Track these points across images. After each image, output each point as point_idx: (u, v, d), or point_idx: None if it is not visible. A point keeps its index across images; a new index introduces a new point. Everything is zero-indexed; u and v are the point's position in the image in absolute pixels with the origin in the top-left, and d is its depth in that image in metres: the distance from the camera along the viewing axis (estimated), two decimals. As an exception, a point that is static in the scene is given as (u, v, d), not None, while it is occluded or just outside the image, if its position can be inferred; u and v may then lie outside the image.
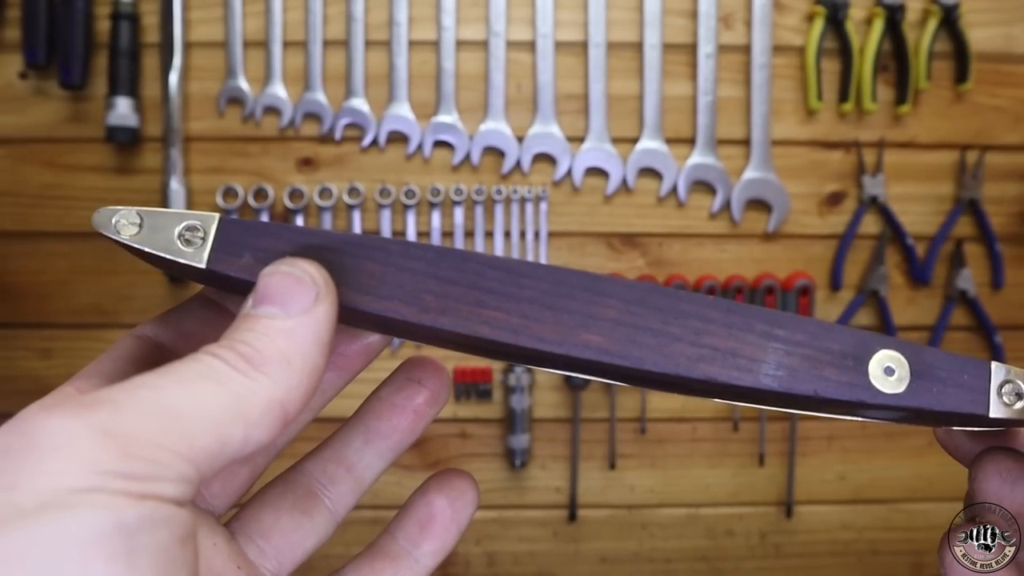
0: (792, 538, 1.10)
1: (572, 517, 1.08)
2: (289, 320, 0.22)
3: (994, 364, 0.26)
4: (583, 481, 1.08)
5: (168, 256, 0.25)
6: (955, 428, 0.27)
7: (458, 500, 0.30)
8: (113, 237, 0.25)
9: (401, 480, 1.01)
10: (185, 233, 0.25)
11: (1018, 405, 0.26)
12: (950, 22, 1.03)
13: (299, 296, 0.23)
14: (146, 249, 0.25)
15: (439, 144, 1.03)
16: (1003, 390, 0.26)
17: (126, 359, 0.26)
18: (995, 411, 0.26)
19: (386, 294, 0.25)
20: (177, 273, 0.27)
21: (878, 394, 0.26)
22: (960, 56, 1.05)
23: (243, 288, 0.25)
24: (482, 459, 1.07)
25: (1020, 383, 0.26)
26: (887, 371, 0.26)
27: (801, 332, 0.26)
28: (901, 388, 0.26)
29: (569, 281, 0.26)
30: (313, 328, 0.23)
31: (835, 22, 1.03)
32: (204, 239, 0.25)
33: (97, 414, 0.19)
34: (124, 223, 0.25)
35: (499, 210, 1.03)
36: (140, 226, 0.25)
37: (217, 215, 0.26)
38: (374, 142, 1.03)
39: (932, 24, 1.03)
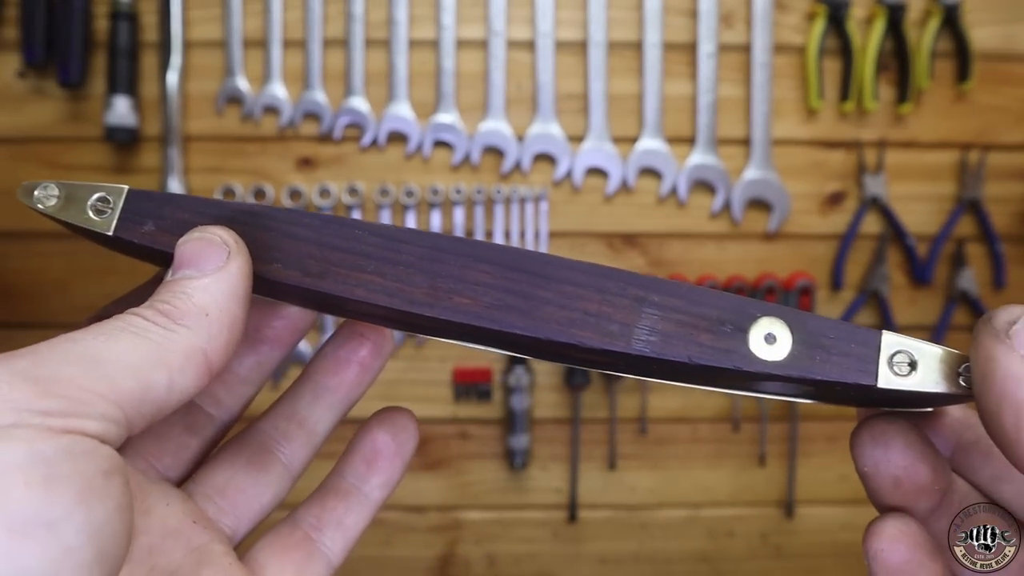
0: (793, 539, 1.10)
1: (572, 518, 1.07)
2: (204, 278, 0.24)
3: (886, 333, 0.25)
4: (583, 482, 1.07)
5: (81, 225, 0.27)
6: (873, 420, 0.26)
7: (400, 433, 0.31)
8: (36, 208, 0.27)
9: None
10: (97, 203, 0.27)
11: (911, 376, 0.24)
12: (951, 21, 1.03)
13: (211, 256, 0.24)
14: (62, 219, 0.27)
15: (439, 144, 1.03)
16: (894, 359, 0.24)
17: None
18: (884, 381, 0.24)
19: (272, 258, 0.26)
20: (93, 241, 0.28)
21: (756, 361, 0.25)
22: (961, 55, 1.04)
23: (149, 255, 0.27)
24: (482, 460, 1.07)
25: (913, 353, 0.24)
26: (768, 338, 0.25)
27: (677, 298, 0.25)
28: (782, 356, 0.25)
29: (444, 246, 0.26)
30: (227, 282, 0.24)
31: (836, 21, 1.03)
32: (113, 209, 0.27)
33: (17, 362, 0.20)
34: (45, 195, 0.27)
35: (499, 210, 1.03)
36: (59, 198, 0.27)
37: (126, 187, 0.27)
38: (373, 142, 1.02)
39: (933, 23, 1.03)
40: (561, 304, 0.26)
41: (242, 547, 0.30)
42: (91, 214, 0.27)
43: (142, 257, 0.28)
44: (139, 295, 0.29)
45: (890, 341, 0.25)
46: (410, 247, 0.26)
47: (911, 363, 0.24)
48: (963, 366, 0.24)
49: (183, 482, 0.30)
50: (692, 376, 0.26)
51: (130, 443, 0.28)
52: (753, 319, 0.25)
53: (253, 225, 0.27)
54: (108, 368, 0.21)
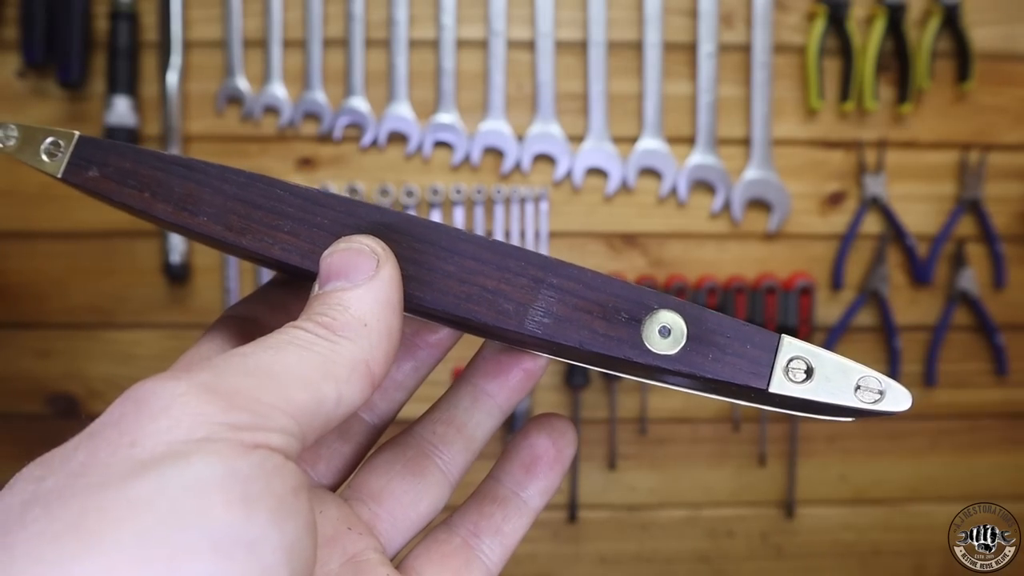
0: (793, 539, 1.10)
1: (572, 518, 1.07)
2: (357, 289, 0.24)
3: (786, 338, 0.24)
4: (583, 482, 1.07)
5: (34, 165, 0.28)
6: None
7: (560, 439, 0.30)
8: None
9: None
10: (49, 147, 0.28)
11: (806, 384, 0.24)
12: (952, 21, 1.03)
13: (361, 266, 0.24)
14: (19, 159, 0.28)
15: (439, 144, 1.03)
16: (791, 365, 0.24)
17: (223, 339, 0.28)
18: (777, 386, 0.24)
19: (198, 211, 0.27)
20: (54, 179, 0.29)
21: (647, 353, 0.25)
22: (962, 55, 1.04)
23: (98, 198, 0.28)
24: (482, 459, 1.06)
25: (811, 360, 0.24)
26: (662, 331, 0.25)
27: (577, 282, 0.26)
28: (674, 350, 0.25)
29: (360, 213, 0.26)
30: (380, 291, 0.24)
31: (836, 21, 1.03)
32: (64, 153, 0.28)
33: (198, 376, 0.20)
34: (5, 135, 0.29)
35: (499, 210, 1.03)
36: (17, 139, 0.29)
37: (77, 133, 0.28)
38: (374, 142, 1.02)
39: (934, 23, 1.03)
40: (461, 279, 0.26)
41: (398, 556, 0.29)
42: (44, 157, 0.28)
43: (95, 197, 0.29)
44: (262, 298, 0.30)
45: (790, 346, 0.24)
46: (326, 210, 0.26)
47: (807, 370, 0.24)
48: (860, 377, 0.24)
49: (336, 488, 0.30)
50: (587, 360, 0.26)
51: None
52: (650, 311, 0.25)
53: (184, 177, 0.27)
54: (283, 381, 0.21)
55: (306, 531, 0.20)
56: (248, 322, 0.29)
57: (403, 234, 0.26)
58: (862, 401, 0.24)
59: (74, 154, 0.28)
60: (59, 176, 0.28)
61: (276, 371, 0.21)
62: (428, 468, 0.30)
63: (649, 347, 0.25)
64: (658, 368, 0.25)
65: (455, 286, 0.26)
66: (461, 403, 0.31)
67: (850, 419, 0.26)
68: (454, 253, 0.26)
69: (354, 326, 0.23)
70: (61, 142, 0.28)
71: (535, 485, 0.30)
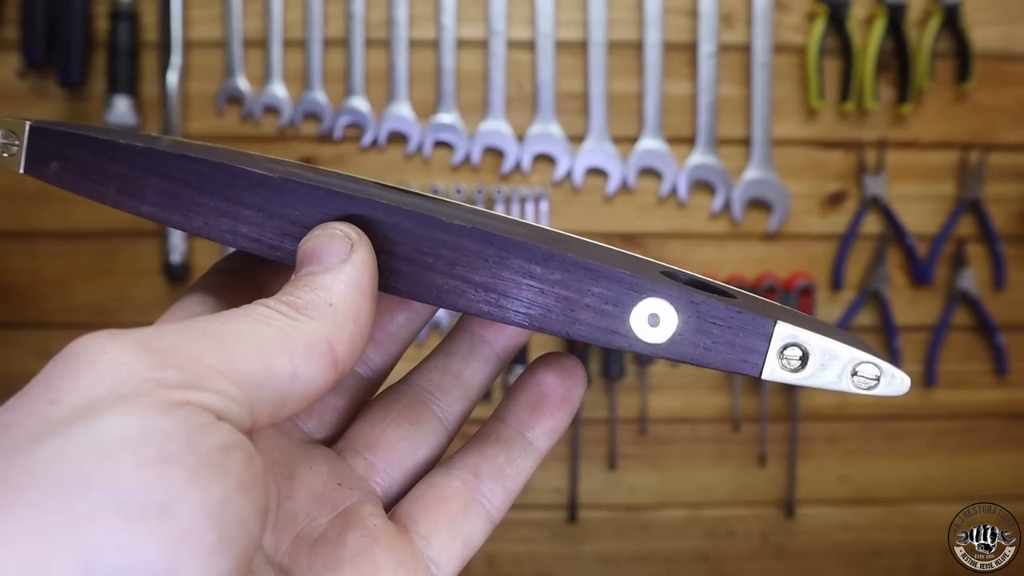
0: (793, 539, 1.10)
1: (572, 518, 1.07)
2: (328, 272, 0.23)
3: (781, 323, 0.24)
4: (583, 482, 1.07)
5: None
6: None
7: (568, 378, 0.29)
8: None
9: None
10: (3, 140, 0.26)
11: (801, 372, 0.24)
12: (952, 21, 1.03)
13: (334, 250, 0.24)
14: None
15: (439, 144, 1.03)
16: (785, 352, 0.24)
17: (203, 297, 0.27)
18: (769, 373, 0.24)
19: (161, 206, 0.26)
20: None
21: (636, 342, 0.24)
22: (962, 55, 1.04)
23: (64, 188, 0.26)
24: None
25: (807, 347, 0.24)
26: (651, 319, 0.24)
27: (561, 272, 0.25)
28: (663, 339, 0.24)
29: (329, 205, 0.25)
30: (351, 274, 0.23)
31: (836, 21, 1.03)
32: (20, 146, 0.26)
33: (137, 334, 0.19)
34: None
35: (499, 210, 1.03)
36: None
37: (28, 122, 0.26)
38: (374, 142, 1.02)
39: (934, 23, 1.03)
40: (443, 271, 0.25)
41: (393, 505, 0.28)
42: (1, 152, 0.26)
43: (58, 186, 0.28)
44: (235, 260, 0.29)
45: (784, 332, 0.24)
46: (294, 202, 0.26)
47: (802, 357, 0.24)
48: (857, 364, 0.24)
49: (331, 443, 0.29)
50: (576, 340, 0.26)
51: None
52: (638, 298, 0.24)
53: (150, 171, 0.26)
54: (229, 347, 0.20)
55: (237, 490, 0.18)
56: (239, 277, 0.28)
57: (378, 224, 0.25)
58: (857, 387, 0.24)
59: (30, 146, 0.26)
60: (21, 171, 0.26)
61: (224, 337, 0.20)
62: (425, 416, 0.29)
63: (638, 336, 0.24)
64: (647, 356, 0.25)
65: (436, 278, 0.25)
66: (458, 351, 0.30)
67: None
68: (433, 243, 0.25)
69: (319, 305, 0.23)
70: (14, 132, 0.26)
71: (542, 425, 0.29)
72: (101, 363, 0.18)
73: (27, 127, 0.26)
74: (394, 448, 0.29)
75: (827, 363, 0.24)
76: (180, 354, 0.19)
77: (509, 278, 0.25)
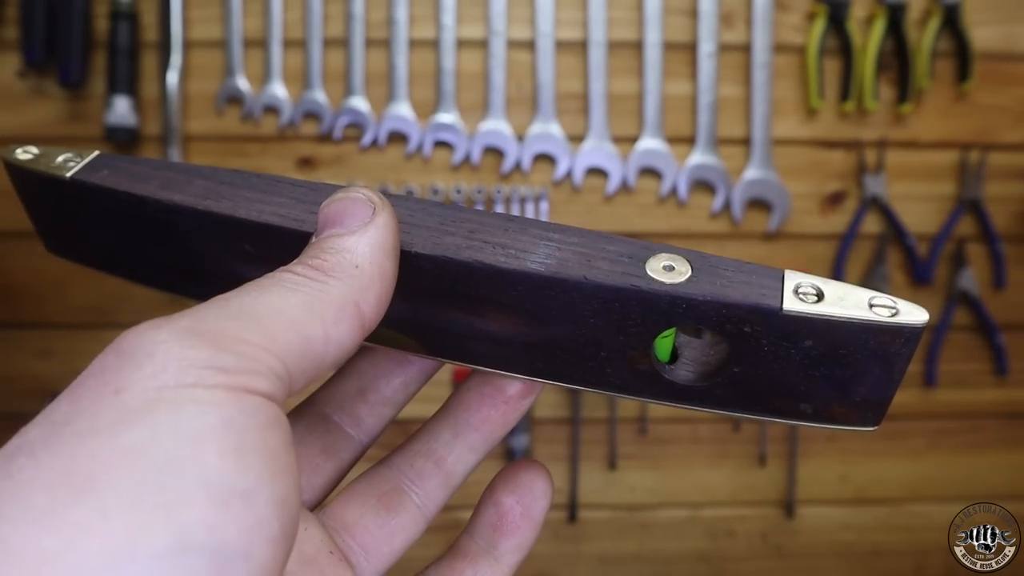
0: (793, 539, 1.10)
1: (572, 518, 1.07)
2: (352, 235, 0.24)
3: (788, 271, 0.25)
4: (583, 482, 1.07)
5: (42, 170, 0.29)
6: None
7: (526, 495, 0.29)
8: (7, 158, 0.29)
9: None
10: (65, 160, 0.29)
11: (820, 304, 0.24)
12: (952, 21, 1.03)
13: (357, 212, 0.24)
14: (26, 166, 0.29)
15: (439, 144, 1.03)
16: (799, 289, 0.24)
17: None
18: (790, 305, 0.24)
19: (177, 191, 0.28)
20: (45, 200, 0.30)
21: (653, 282, 0.24)
22: (962, 55, 1.04)
23: (97, 206, 0.28)
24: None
25: (820, 286, 0.24)
26: (666, 267, 0.25)
27: (578, 236, 0.26)
28: (680, 280, 0.24)
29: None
30: (375, 236, 0.24)
31: (836, 21, 1.03)
32: (77, 164, 0.29)
33: (179, 321, 0.20)
34: (23, 151, 0.30)
35: (499, 210, 1.03)
36: (34, 155, 0.30)
37: (97, 151, 0.29)
38: (374, 142, 1.02)
39: (934, 23, 1.03)
40: (464, 235, 0.26)
41: None
42: (57, 164, 0.29)
43: (90, 206, 0.29)
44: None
45: (794, 277, 0.25)
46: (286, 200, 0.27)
47: (817, 293, 0.24)
48: (871, 297, 0.24)
49: (315, 508, 0.29)
50: (590, 311, 0.26)
51: None
52: (652, 253, 0.25)
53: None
54: (267, 322, 0.21)
55: (294, 488, 0.19)
56: None
57: (402, 208, 0.26)
58: (879, 315, 0.24)
59: (88, 164, 0.29)
60: (68, 176, 0.28)
61: (260, 312, 0.21)
62: (403, 503, 0.29)
63: (655, 278, 0.25)
64: (666, 297, 0.24)
65: (455, 240, 0.26)
66: (441, 436, 0.30)
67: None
68: (456, 220, 0.26)
69: (345, 267, 0.23)
70: (80, 155, 0.29)
71: (505, 543, 0.29)
72: (157, 354, 0.19)
73: (95, 153, 0.29)
74: (372, 535, 0.29)
75: (844, 296, 0.24)
76: (228, 337, 0.20)
77: (527, 240, 0.26)
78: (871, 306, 0.24)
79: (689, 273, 0.25)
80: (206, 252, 0.27)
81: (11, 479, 0.17)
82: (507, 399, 0.30)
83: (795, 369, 0.25)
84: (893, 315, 0.24)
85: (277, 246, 0.26)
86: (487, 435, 0.30)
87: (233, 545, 0.17)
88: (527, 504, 0.29)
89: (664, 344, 0.26)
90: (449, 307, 0.27)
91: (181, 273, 0.29)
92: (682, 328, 0.25)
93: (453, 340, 0.27)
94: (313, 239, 0.24)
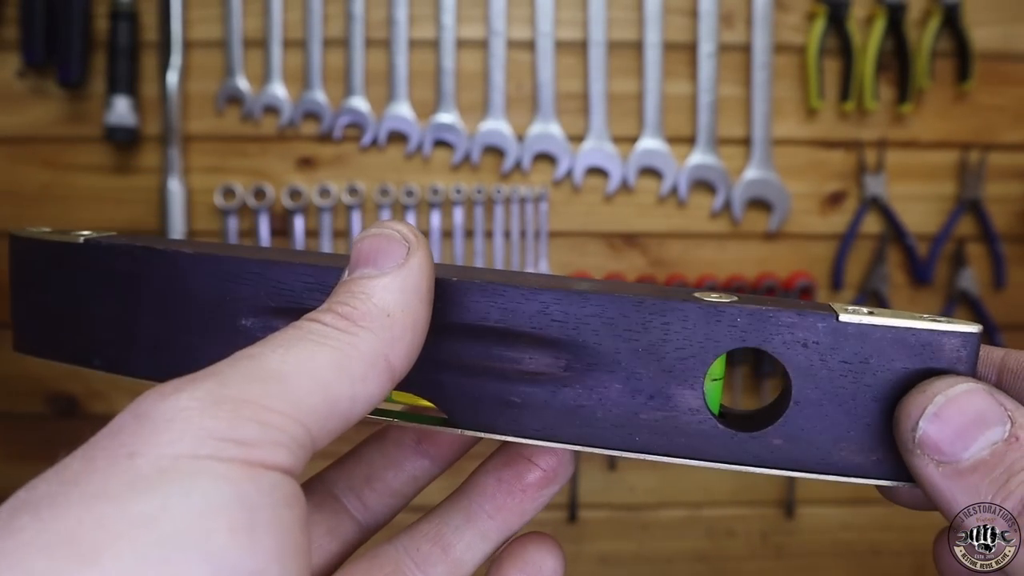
0: (793, 539, 1.10)
1: (572, 518, 1.07)
2: (384, 276, 0.22)
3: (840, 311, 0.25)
4: (583, 481, 1.07)
5: (55, 239, 0.29)
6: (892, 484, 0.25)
7: (536, 575, 0.28)
8: (23, 232, 0.30)
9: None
10: (78, 236, 0.29)
11: (872, 317, 0.24)
12: (952, 21, 1.03)
13: (391, 252, 0.23)
14: (40, 238, 0.30)
15: (439, 143, 1.03)
16: (849, 309, 0.24)
17: None
18: (846, 317, 0.24)
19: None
20: (52, 262, 0.30)
21: (704, 302, 0.24)
22: (962, 55, 1.04)
23: (106, 268, 0.28)
24: (482, 460, 1.07)
25: (870, 309, 0.24)
26: (715, 295, 0.25)
27: (604, 282, 0.26)
28: (731, 299, 0.24)
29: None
30: (409, 279, 0.22)
31: (836, 21, 1.03)
32: (92, 235, 0.29)
33: (202, 385, 0.19)
34: (35, 231, 0.30)
35: (499, 210, 1.03)
36: (48, 231, 0.30)
37: (115, 232, 0.30)
38: (374, 141, 1.02)
39: (934, 23, 1.03)
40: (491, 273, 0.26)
41: None
42: (70, 236, 0.29)
43: (91, 289, 0.29)
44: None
45: (839, 305, 0.25)
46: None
47: (869, 312, 0.24)
48: (919, 314, 0.24)
49: None
50: (637, 334, 0.25)
51: None
52: (694, 291, 0.25)
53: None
54: (291, 384, 0.20)
55: (305, 570, 0.19)
56: None
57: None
58: (933, 322, 0.24)
59: (102, 237, 0.30)
60: (80, 241, 0.29)
61: (286, 373, 0.20)
62: None
63: (706, 299, 0.24)
64: (715, 310, 0.24)
65: (482, 273, 0.26)
66: (452, 520, 0.29)
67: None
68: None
69: (376, 316, 0.21)
70: (96, 232, 0.30)
71: None
72: (176, 421, 0.18)
73: (111, 233, 0.30)
74: None
75: (893, 312, 0.24)
76: (250, 404, 0.19)
77: (562, 279, 0.27)
78: (921, 318, 0.24)
79: (736, 298, 0.24)
80: (212, 311, 0.26)
81: (12, 538, 0.16)
82: (525, 487, 0.28)
83: (859, 399, 0.24)
84: (949, 323, 0.24)
85: (297, 284, 0.26)
86: (501, 524, 0.29)
87: None
88: None
89: (714, 391, 0.26)
90: (481, 351, 0.25)
91: (169, 351, 0.28)
92: (734, 362, 0.25)
93: (482, 401, 0.26)
94: (345, 275, 0.23)
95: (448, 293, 0.25)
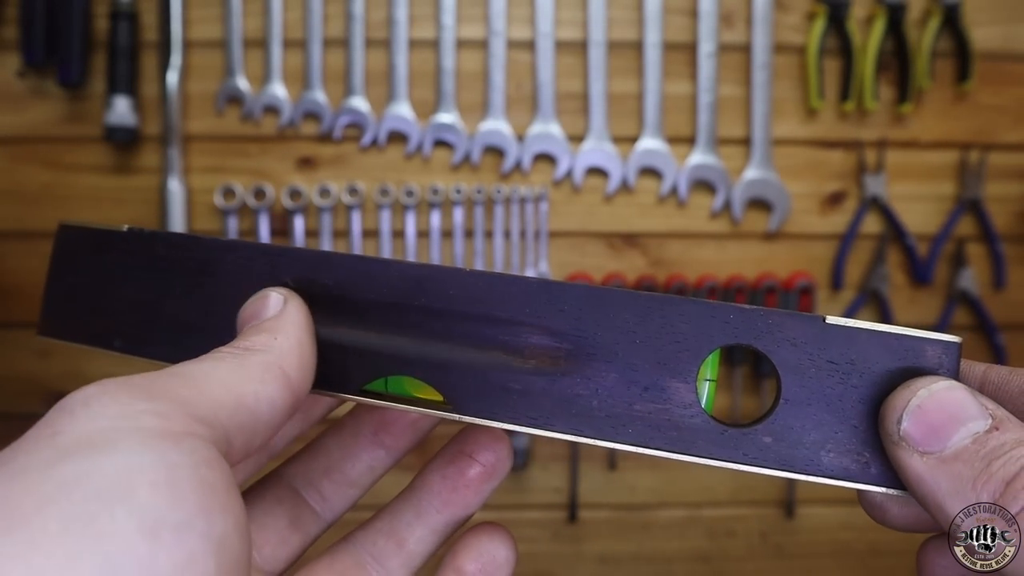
0: (793, 538, 1.10)
1: (572, 518, 1.07)
2: (268, 320, 0.26)
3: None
4: (583, 481, 1.07)
5: (100, 227, 0.31)
6: (879, 491, 0.26)
7: (490, 563, 0.30)
8: (67, 222, 0.32)
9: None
10: (121, 225, 0.31)
11: (858, 321, 0.25)
12: (952, 21, 1.03)
13: (269, 305, 0.26)
14: (85, 224, 0.31)
15: (439, 144, 1.03)
16: (837, 318, 0.26)
17: None
18: (833, 320, 0.25)
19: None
20: (94, 247, 0.31)
21: (700, 299, 0.26)
22: (962, 55, 1.04)
23: (154, 248, 0.30)
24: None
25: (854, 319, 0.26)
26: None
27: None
28: (724, 302, 0.26)
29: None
30: (289, 316, 0.26)
31: (836, 21, 1.03)
32: (134, 227, 0.31)
33: (131, 379, 0.21)
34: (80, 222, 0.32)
35: (499, 210, 1.03)
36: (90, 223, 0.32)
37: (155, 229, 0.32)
38: (374, 141, 1.02)
39: (934, 23, 1.03)
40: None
41: None
42: (114, 226, 0.31)
43: (126, 274, 0.30)
44: None
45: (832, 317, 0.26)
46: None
47: (856, 324, 0.25)
48: (904, 326, 0.25)
49: None
50: (633, 324, 0.26)
51: None
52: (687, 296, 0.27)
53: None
54: (201, 382, 0.22)
55: (236, 529, 0.20)
56: None
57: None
58: (915, 331, 0.25)
59: (144, 228, 0.31)
60: (124, 229, 0.30)
61: (195, 375, 0.22)
62: None
63: (701, 298, 0.26)
64: (718, 308, 0.25)
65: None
66: (404, 516, 0.31)
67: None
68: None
69: (264, 340, 0.25)
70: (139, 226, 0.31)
71: None
72: (94, 405, 0.20)
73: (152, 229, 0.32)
74: None
75: (879, 323, 0.25)
76: (165, 390, 0.21)
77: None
78: (906, 326, 0.25)
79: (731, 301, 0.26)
80: (234, 294, 0.28)
81: None
82: (468, 482, 0.31)
83: (845, 400, 0.25)
84: (929, 334, 0.25)
85: (321, 276, 0.27)
86: (449, 518, 0.31)
87: None
88: (490, 572, 0.30)
89: (708, 392, 0.27)
90: (486, 340, 0.26)
91: (189, 333, 0.30)
92: (733, 363, 0.27)
93: (483, 388, 0.27)
94: (239, 334, 0.26)
95: (459, 283, 0.26)
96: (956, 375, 0.25)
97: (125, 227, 0.30)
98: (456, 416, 0.27)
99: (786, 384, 0.25)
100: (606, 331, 0.25)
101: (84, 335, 0.31)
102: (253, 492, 0.31)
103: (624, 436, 0.26)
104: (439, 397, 0.27)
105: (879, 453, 0.25)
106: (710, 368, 0.26)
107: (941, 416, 0.24)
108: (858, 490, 0.27)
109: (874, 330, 0.25)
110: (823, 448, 0.25)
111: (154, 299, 0.29)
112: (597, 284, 0.28)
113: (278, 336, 0.25)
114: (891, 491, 0.26)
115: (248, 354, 0.24)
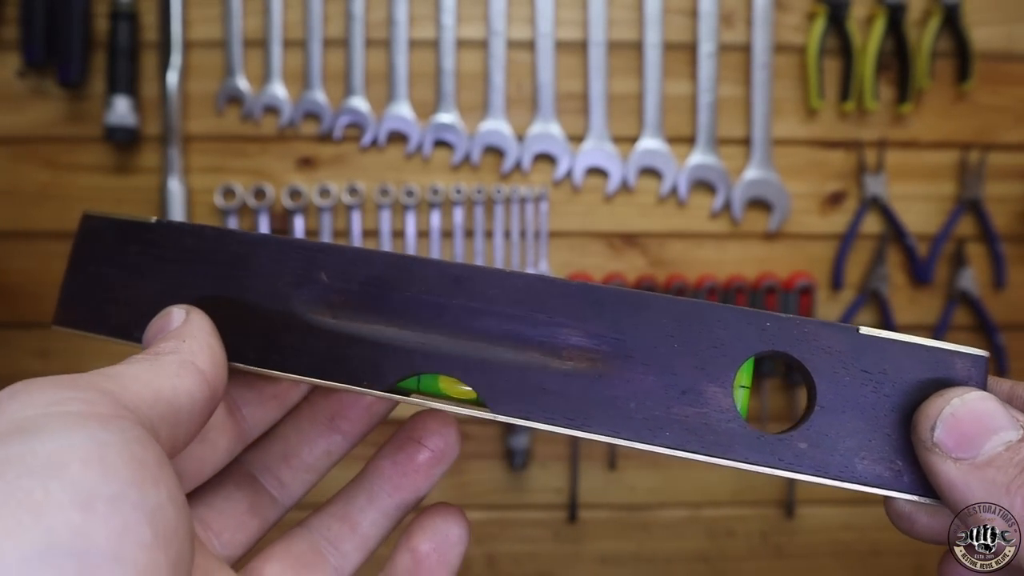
0: (793, 539, 1.10)
1: (572, 518, 1.07)
2: (174, 328, 0.27)
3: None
4: (583, 481, 1.07)
5: (128, 218, 0.31)
6: (906, 499, 0.26)
7: (443, 542, 0.31)
8: (92, 212, 0.33)
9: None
10: (148, 217, 0.32)
11: (891, 333, 0.26)
12: (952, 21, 1.03)
13: (171, 319, 0.28)
14: (114, 216, 0.32)
15: (439, 144, 1.03)
16: (870, 329, 0.26)
17: None
18: (867, 331, 0.26)
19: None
20: (119, 238, 0.32)
21: (737, 308, 0.26)
22: (962, 55, 1.04)
23: (182, 239, 0.30)
24: (482, 459, 1.07)
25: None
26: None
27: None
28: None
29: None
30: (194, 322, 0.27)
31: (836, 21, 1.03)
32: (161, 218, 0.31)
33: (43, 377, 0.22)
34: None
35: (499, 210, 1.03)
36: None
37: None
38: (374, 141, 1.02)
39: (934, 23, 1.03)
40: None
41: None
42: (143, 218, 0.32)
43: (149, 266, 0.31)
44: None
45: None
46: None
47: (888, 336, 0.26)
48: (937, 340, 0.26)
49: (237, 565, 0.30)
50: (671, 330, 0.26)
51: (195, 512, 0.30)
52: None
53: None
54: (120, 379, 0.23)
55: (170, 500, 0.20)
56: None
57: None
58: (943, 343, 0.26)
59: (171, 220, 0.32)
60: (152, 220, 0.31)
61: (114, 373, 0.23)
62: (320, 565, 0.31)
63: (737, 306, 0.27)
64: (753, 315, 0.26)
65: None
66: (357, 501, 0.32)
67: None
68: None
69: (174, 345, 0.26)
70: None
71: None
72: (25, 394, 0.21)
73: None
74: None
75: (906, 336, 0.26)
76: (90, 383, 0.22)
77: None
78: (933, 339, 0.26)
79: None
80: (266, 288, 0.29)
81: None
82: (417, 467, 0.32)
83: (879, 409, 0.26)
84: (957, 347, 0.26)
85: (358, 273, 0.27)
86: (400, 502, 0.32)
87: (101, 548, 0.18)
88: (443, 551, 0.30)
89: (742, 398, 0.27)
90: (524, 339, 0.27)
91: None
92: (763, 374, 0.28)
93: (520, 388, 0.27)
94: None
95: (498, 283, 0.27)
96: (984, 387, 0.26)
97: (153, 219, 0.31)
98: (491, 415, 0.27)
99: (821, 391, 0.26)
100: (645, 334, 0.26)
101: (104, 326, 0.31)
102: (212, 479, 0.31)
103: (661, 439, 0.27)
104: (472, 396, 0.27)
105: (911, 462, 0.26)
106: (744, 375, 0.27)
107: (974, 425, 0.24)
108: (887, 499, 0.27)
109: (906, 342, 0.26)
110: (857, 455, 0.26)
111: (180, 291, 0.30)
112: (631, 287, 0.29)
113: (186, 340, 0.26)
114: (923, 499, 0.26)
115: (161, 356, 0.25)
